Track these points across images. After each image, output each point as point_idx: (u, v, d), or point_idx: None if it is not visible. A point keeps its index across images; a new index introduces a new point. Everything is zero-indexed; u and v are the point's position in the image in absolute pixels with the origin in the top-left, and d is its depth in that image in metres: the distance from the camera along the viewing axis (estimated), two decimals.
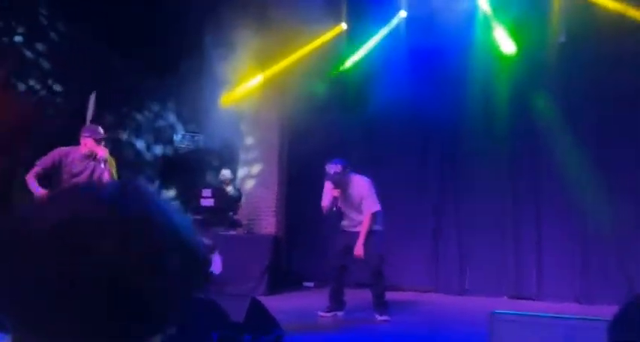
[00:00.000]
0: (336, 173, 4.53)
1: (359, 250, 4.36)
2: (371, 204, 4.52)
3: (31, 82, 6.08)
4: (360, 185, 4.62)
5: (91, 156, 4.24)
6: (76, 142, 4.50)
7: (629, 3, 5.35)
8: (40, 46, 6.11)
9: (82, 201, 0.51)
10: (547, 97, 5.78)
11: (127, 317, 0.48)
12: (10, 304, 0.49)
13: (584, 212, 5.52)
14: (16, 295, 0.48)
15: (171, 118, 7.56)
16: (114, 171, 4.40)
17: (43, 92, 6.18)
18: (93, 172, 4.31)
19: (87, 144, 4.25)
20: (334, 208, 4.66)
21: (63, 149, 4.37)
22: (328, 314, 4.48)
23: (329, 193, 4.60)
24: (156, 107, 7.41)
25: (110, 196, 0.52)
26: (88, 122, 6.33)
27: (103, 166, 4.23)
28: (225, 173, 6.71)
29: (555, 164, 5.71)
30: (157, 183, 7.16)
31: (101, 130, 4.35)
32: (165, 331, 0.54)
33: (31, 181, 4.18)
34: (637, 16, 5.28)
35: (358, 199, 4.56)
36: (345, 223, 4.67)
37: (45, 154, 4.46)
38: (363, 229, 4.42)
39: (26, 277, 0.48)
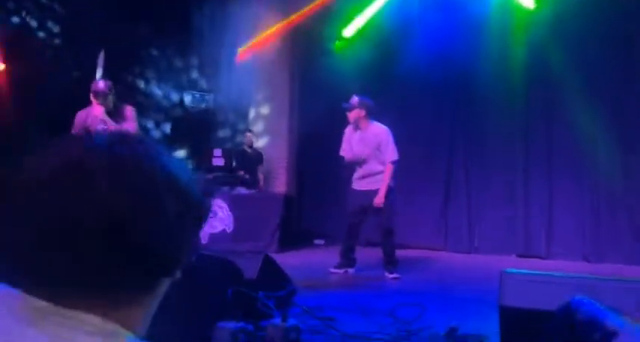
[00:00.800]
0: (355, 103, 4.48)
1: (380, 199, 4.27)
2: (392, 152, 4.41)
3: (47, 30, 5.96)
4: (379, 130, 4.48)
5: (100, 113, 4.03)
6: (84, 101, 4.44)
7: None
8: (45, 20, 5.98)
9: (78, 148, 0.52)
10: (563, 51, 5.60)
11: (125, 258, 0.49)
12: (11, 250, 0.49)
13: (596, 170, 5.47)
14: (17, 240, 0.49)
15: (186, 75, 7.51)
16: (134, 124, 4.18)
17: (58, 41, 6.06)
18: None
19: (93, 100, 4.10)
20: (352, 146, 4.46)
21: (81, 112, 4.21)
22: (339, 271, 4.52)
23: (349, 138, 4.47)
24: (169, 65, 7.34)
25: (104, 142, 0.53)
26: (98, 77, 6.30)
27: (103, 124, 3.99)
28: (249, 134, 6.74)
29: (568, 121, 5.62)
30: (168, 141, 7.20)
31: (100, 85, 4.12)
32: (167, 275, 0.54)
33: None
34: None
35: (375, 145, 4.43)
36: (359, 179, 4.51)
37: (57, 109, 4.42)
38: (385, 178, 4.32)
39: (26, 221, 0.48)
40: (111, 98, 4.13)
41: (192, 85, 7.50)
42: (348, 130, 4.56)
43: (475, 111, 6.18)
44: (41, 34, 5.94)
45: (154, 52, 7.10)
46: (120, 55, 6.54)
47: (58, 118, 4.77)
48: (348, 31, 6.74)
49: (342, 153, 4.56)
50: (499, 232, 5.95)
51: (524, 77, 5.85)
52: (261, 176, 6.75)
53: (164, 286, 0.57)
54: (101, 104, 4.05)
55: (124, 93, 6.58)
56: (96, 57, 6.25)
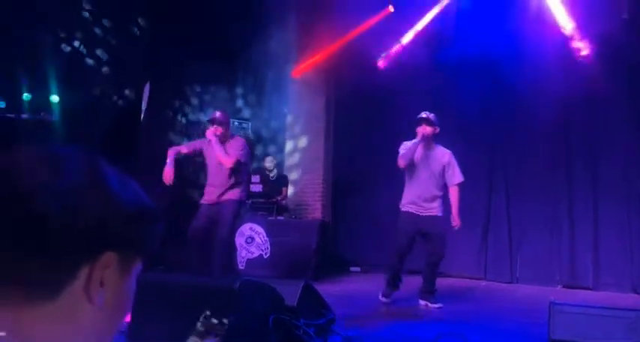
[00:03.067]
0: (432, 120, 4.22)
1: (456, 220, 4.14)
2: (458, 174, 4.22)
3: (89, 68, 6.31)
4: (445, 152, 4.28)
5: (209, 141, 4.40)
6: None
7: None
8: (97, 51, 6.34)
9: (21, 156, 0.51)
10: (609, 75, 5.48)
11: (23, 231, 0.46)
12: None
13: None
14: None
15: (223, 104, 7.77)
16: (238, 153, 4.35)
17: (107, 69, 6.36)
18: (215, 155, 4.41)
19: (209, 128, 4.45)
20: (412, 159, 4.17)
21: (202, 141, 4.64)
22: (389, 299, 4.36)
23: (420, 135, 4.17)
24: (210, 96, 7.61)
25: (48, 153, 0.52)
26: (143, 111, 6.60)
27: (212, 145, 4.34)
28: (269, 160, 6.85)
29: (614, 146, 5.46)
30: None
31: (216, 114, 4.46)
32: (77, 261, 0.49)
33: (170, 153, 4.39)
34: None
35: (440, 168, 4.20)
36: (413, 202, 4.21)
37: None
38: (455, 201, 4.16)
39: None
40: (225, 127, 4.42)
41: (236, 114, 7.73)
42: (411, 142, 4.29)
43: (516, 137, 6.10)
44: (90, 62, 6.25)
45: (199, 83, 7.38)
46: (166, 87, 6.84)
47: (103, 148, 5.00)
48: (382, 62, 6.85)
49: (398, 160, 4.24)
50: (542, 262, 5.76)
51: (565, 101, 5.75)
52: (284, 195, 6.75)
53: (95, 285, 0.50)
54: (210, 129, 4.38)
55: (168, 123, 6.87)
56: (142, 89, 6.57)
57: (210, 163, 4.51)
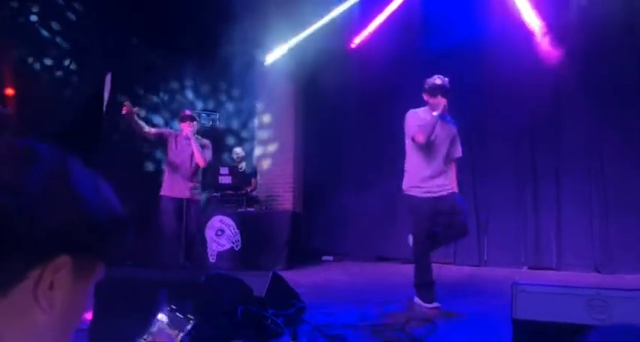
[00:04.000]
0: (446, 85, 3.58)
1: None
2: (459, 147, 3.78)
3: (47, 62, 6.11)
4: (453, 122, 3.74)
5: (187, 138, 4.59)
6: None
7: None
8: (55, 25, 6.12)
9: None
10: (568, 59, 5.62)
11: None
12: None
13: (605, 179, 5.44)
14: None
15: (190, 95, 7.60)
16: (208, 153, 4.71)
17: (60, 73, 6.21)
18: (190, 153, 4.64)
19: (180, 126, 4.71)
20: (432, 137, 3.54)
21: (173, 131, 4.93)
22: (435, 304, 3.52)
23: (442, 107, 3.52)
24: (175, 85, 7.44)
25: (19, 150, 0.50)
26: (105, 102, 6.40)
27: (187, 142, 4.57)
28: (238, 151, 6.78)
29: (576, 129, 5.61)
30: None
31: (186, 111, 4.82)
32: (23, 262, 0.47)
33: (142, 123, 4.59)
34: None
35: (451, 139, 3.67)
36: (425, 181, 3.57)
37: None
38: (455, 177, 3.72)
39: None
40: (195, 125, 4.71)
41: (203, 105, 7.60)
42: (422, 112, 3.65)
43: (481, 121, 6.19)
44: (49, 60, 6.05)
45: (162, 74, 7.20)
46: (128, 77, 6.64)
47: (65, 139, 4.81)
48: (354, 43, 6.81)
49: (415, 135, 3.55)
50: (508, 245, 5.90)
51: (529, 86, 5.86)
52: (254, 184, 6.74)
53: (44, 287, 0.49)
54: (189, 125, 4.62)
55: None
56: (103, 80, 6.36)
57: (177, 157, 4.63)
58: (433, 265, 3.62)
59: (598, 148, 5.49)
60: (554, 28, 5.69)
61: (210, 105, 7.64)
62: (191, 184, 4.63)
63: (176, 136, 4.69)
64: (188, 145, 4.61)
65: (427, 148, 3.59)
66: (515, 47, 5.76)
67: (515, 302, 2.02)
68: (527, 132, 5.96)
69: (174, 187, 4.57)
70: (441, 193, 3.57)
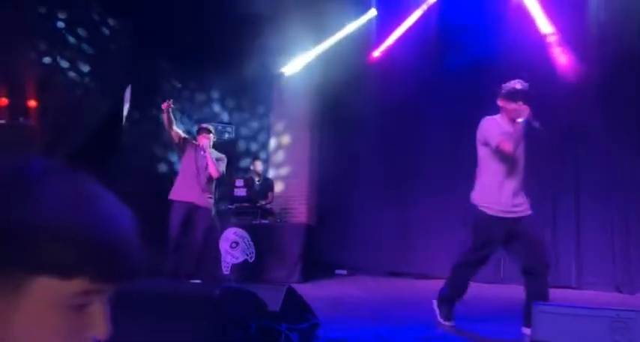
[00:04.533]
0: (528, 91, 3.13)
1: None
2: None
3: (71, 74, 6.23)
4: None
5: (203, 149, 4.75)
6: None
7: None
8: (81, 32, 6.26)
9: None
10: (587, 73, 5.56)
11: None
12: None
13: (626, 197, 5.33)
14: None
15: (206, 108, 7.70)
16: (223, 166, 4.87)
17: (87, 79, 6.30)
18: (204, 164, 4.75)
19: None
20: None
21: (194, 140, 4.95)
22: (450, 323, 3.40)
23: (526, 114, 3.14)
24: (191, 98, 7.55)
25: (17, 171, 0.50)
26: (124, 115, 6.53)
27: (202, 153, 4.71)
28: (258, 164, 6.84)
29: (597, 147, 5.52)
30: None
31: (203, 124, 5.04)
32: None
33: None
34: None
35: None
36: (502, 203, 3.19)
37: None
38: None
39: None
40: (212, 137, 4.87)
41: (216, 118, 7.68)
42: (500, 119, 3.33)
43: None
44: (71, 74, 6.18)
45: (177, 87, 7.32)
46: (146, 91, 6.76)
47: (85, 152, 4.92)
48: (375, 56, 6.85)
49: (501, 144, 3.17)
50: None
51: (548, 102, 5.80)
52: (270, 197, 6.75)
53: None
54: (206, 137, 4.78)
55: (149, 127, 6.79)
56: (123, 93, 6.49)
57: (192, 166, 4.74)
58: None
59: (619, 164, 5.39)
60: (572, 41, 5.66)
61: (226, 118, 7.72)
62: (202, 192, 4.70)
63: (195, 146, 4.83)
64: (204, 157, 4.72)
65: (510, 160, 3.21)
66: (532, 60, 5.74)
67: (535, 323, 1.98)
68: (547, 146, 5.88)
69: (185, 191, 4.67)
70: (521, 214, 3.18)
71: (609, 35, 5.23)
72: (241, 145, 7.79)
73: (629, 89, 5.37)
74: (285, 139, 7.57)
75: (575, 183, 5.67)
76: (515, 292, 5.20)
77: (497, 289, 5.48)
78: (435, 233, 6.30)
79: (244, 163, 7.77)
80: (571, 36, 5.66)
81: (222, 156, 4.93)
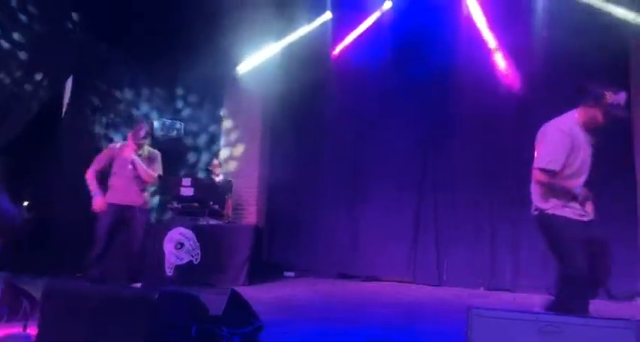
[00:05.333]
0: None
1: None
2: None
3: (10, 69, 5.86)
4: None
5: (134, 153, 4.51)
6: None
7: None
8: (16, 35, 5.89)
9: None
10: (528, 89, 5.83)
11: None
12: None
13: None
14: None
15: (156, 103, 7.45)
16: (158, 165, 4.67)
17: (19, 75, 5.96)
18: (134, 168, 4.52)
19: (131, 142, 4.57)
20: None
21: (116, 145, 4.70)
22: None
23: (577, 139, 2.93)
24: (140, 92, 7.28)
25: None
26: (65, 105, 6.21)
27: (130, 167, 4.48)
28: (216, 163, 6.71)
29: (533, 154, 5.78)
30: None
31: (142, 132, 4.54)
32: None
33: (91, 178, 4.41)
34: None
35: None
36: (576, 206, 2.94)
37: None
38: None
39: None
40: (149, 142, 4.63)
41: (171, 114, 7.46)
42: (570, 126, 3.01)
43: (445, 146, 6.33)
44: (7, 46, 5.79)
45: (129, 79, 7.05)
46: (93, 80, 6.47)
47: (22, 143, 4.65)
48: (328, 60, 6.86)
49: (553, 165, 2.95)
50: (467, 266, 6.00)
51: (491, 111, 6.04)
52: (229, 205, 6.66)
53: None
54: (137, 146, 4.50)
55: (90, 119, 6.50)
56: (64, 82, 6.17)
57: (123, 168, 4.54)
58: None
59: None
60: (515, 53, 5.93)
61: (175, 114, 7.52)
62: (137, 189, 4.53)
63: (122, 148, 4.59)
64: (129, 161, 4.53)
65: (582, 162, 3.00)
66: (479, 69, 5.98)
67: (470, 327, 2.04)
68: (489, 158, 6.11)
69: (117, 193, 4.48)
70: (591, 218, 2.97)
71: (553, 49, 5.49)
72: (190, 142, 7.60)
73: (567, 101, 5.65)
74: (237, 138, 7.46)
75: (512, 191, 5.90)
76: (459, 293, 5.39)
77: (440, 292, 5.65)
78: (384, 236, 6.41)
79: (191, 160, 7.60)
80: (515, 49, 5.92)
81: (156, 153, 4.72)
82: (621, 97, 2.99)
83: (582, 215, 2.97)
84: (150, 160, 4.62)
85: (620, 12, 5.32)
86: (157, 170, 4.67)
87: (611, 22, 5.28)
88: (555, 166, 2.95)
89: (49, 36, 5.87)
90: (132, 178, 4.51)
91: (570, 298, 2.87)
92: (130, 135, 4.61)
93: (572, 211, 2.97)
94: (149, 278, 4.62)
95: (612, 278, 3.04)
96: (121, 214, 4.43)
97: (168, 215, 6.67)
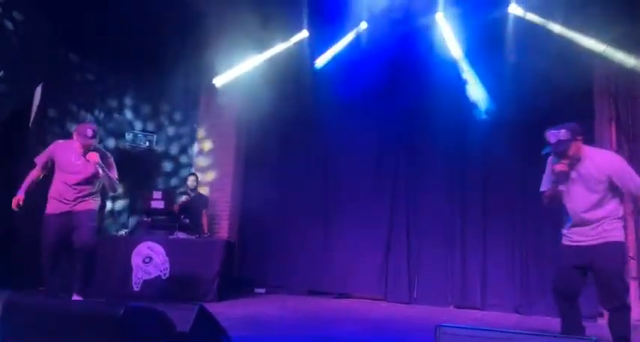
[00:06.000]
0: (560, 141, 3.10)
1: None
2: (635, 178, 3.07)
3: None
4: (607, 159, 3.13)
5: (83, 155, 4.15)
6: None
7: (574, 27, 5.65)
8: None
9: None
10: (498, 109, 6.02)
11: None
12: None
13: (526, 225, 5.76)
14: None
15: (129, 114, 7.35)
16: (114, 171, 4.31)
17: None
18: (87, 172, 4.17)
19: (78, 142, 4.16)
20: (556, 193, 3.22)
21: (58, 143, 4.29)
22: None
23: (550, 170, 3.27)
24: (113, 103, 7.18)
25: None
26: (32, 115, 6.06)
27: (101, 172, 4.16)
28: (192, 178, 6.63)
29: (504, 177, 5.93)
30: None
31: (89, 131, 4.12)
32: None
33: (27, 180, 4.12)
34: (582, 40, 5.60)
35: (602, 179, 3.06)
36: (569, 230, 3.18)
37: None
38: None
39: None
40: (95, 142, 4.23)
41: (139, 125, 7.36)
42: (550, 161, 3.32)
43: (417, 165, 6.43)
44: None
45: (99, 90, 6.94)
46: (63, 92, 6.34)
47: None
48: (304, 76, 6.91)
49: (542, 188, 3.40)
50: (437, 284, 6.06)
51: (462, 135, 6.18)
52: (205, 221, 6.58)
53: None
54: (83, 147, 4.12)
55: (58, 130, 6.36)
56: (33, 90, 6.04)
57: (63, 173, 4.15)
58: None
59: (521, 194, 5.81)
60: (487, 79, 6.12)
61: (149, 126, 7.43)
62: (79, 193, 4.13)
63: (63, 148, 4.18)
64: (85, 163, 4.14)
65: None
66: (452, 95, 6.15)
67: None
68: (459, 178, 6.23)
69: (55, 204, 4.08)
70: (584, 244, 3.15)
71: (523, 74, 5.68)
72: (162, 155, 7.50)
73: (537, 122, 5.82)
74: (210, 151, 7.41)
75: (482, 212, 6.02)
76: (429, 311, 5.42)
77: (411, 309, 5.68)
78: (356, 254, 6.43)
79: (164, 172, 7.49)
80: (487, 74, 6.11)
81: (109, 155, 4.35)
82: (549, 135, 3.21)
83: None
84: (105, 163, 4.24)
85: (587, 42, 5.57)
86: (116, 175, 4.32)
87: (579, 51, 5.52)
88: None
89: (21, 44, 5.76)
90: (77, 179, 4.15)
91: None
92: (75, 134, 4.18)
93: None
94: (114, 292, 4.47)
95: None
96: (65, 221, 4.09)
97: (137, 229, 6.54)
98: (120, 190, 6.67)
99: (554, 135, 3.15)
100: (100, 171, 4.14)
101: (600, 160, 3.12)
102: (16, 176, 4.64)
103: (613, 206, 3.10)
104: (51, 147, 4.26)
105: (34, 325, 2.35)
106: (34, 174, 4.17)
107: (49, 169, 4.21)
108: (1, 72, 5.67)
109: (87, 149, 4.13)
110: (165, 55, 6.69)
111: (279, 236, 6.84)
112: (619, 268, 3.03)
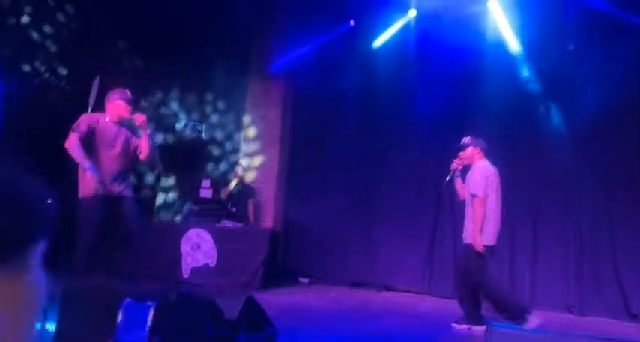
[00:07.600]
0: (463, 144, 4.17)
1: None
2: (474, 188, 3.98)
3: (36, 64, 6.03)
4: (475, 170, 4.12)
5: (120, 122, 3.87)
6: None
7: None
8: (47, 28, 6.05)
9: None
10: (551, 99, 5.76)
11: None
12: None
13: (581, 220, 5.51)
14: None
15: (174, 106, 7.55)
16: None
17: (47, 75, 6.14)
18: (127, 142, 3.93)
19: (118, 108, 3.86)
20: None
21: (91, 115, 3.98)
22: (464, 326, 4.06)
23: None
24: (159, 94, 7.39)
25: None
26: (90, 107, 6.30)
27: (143, 133, 3.85)
28: (239, 169, 6.78)
29: (554, 171, 5.69)
30: (156, 171, 7.11)
31: (129, 93, 3.90)
32: None
33: (77, 149, 3.69)
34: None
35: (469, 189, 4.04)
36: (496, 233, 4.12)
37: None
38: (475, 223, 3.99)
39: None
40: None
41: (193, 116, 7.55)
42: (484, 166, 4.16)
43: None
44: (37, 62, 5.96)
45: (149, 82, 7.16)
46: (112, 79, 6.58)
47: (48, 146, 4.73)
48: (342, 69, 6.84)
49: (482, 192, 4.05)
50: None
51: (511, 122, 5.97)
52: (250, 210, 6.70)
53: None
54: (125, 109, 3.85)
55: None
56: (91, 82, 6.29)
57: (106, 147, 3.84)
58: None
59: (577, 186, 5.55)
60: (540, 67, 5.86)
61: (196, 116, 7.60)
62: (120, 179, 3.87)
63: (98, 120, 3.83)
64: (119, 133, 3.86)
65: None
66: (499, 85, 5.93)
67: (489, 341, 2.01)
68: (511, 175, 6.02)
69: (99, 182, 3.72)
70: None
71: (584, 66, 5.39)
72: (210, 145, 7.67)
73: (593, 116, 5.55)
74: (256, 143, 7.50)
75: (531, 205, 5.80)
76: None
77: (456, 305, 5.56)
78: (399, 246, 6.36)
79: (213, 164, 7.66)
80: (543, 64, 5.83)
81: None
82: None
83: None
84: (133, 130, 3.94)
85: None
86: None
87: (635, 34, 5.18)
88: None
89: (78, 34, 6.01)
90: (117, 156, 3.89)
91: None
92: (121, 98, 3.87)
93: None
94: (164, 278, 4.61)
95: None
96: (112, 205, 3.81)
97: (186, 216, 6.74)
98: (169, 179, 6.89)
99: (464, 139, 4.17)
100: (148, 131, 3.88)
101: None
102: (71, 167, 4.85)
103: None
104: (85, 118, 3.88)
105: (88, 304, 2.47)
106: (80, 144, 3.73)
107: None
108: (60, 67, 5.92)
109: (125, 115, 3.85)
110: (212, 41, 6.79)
111: (324, 227, 6.86)
112: None
